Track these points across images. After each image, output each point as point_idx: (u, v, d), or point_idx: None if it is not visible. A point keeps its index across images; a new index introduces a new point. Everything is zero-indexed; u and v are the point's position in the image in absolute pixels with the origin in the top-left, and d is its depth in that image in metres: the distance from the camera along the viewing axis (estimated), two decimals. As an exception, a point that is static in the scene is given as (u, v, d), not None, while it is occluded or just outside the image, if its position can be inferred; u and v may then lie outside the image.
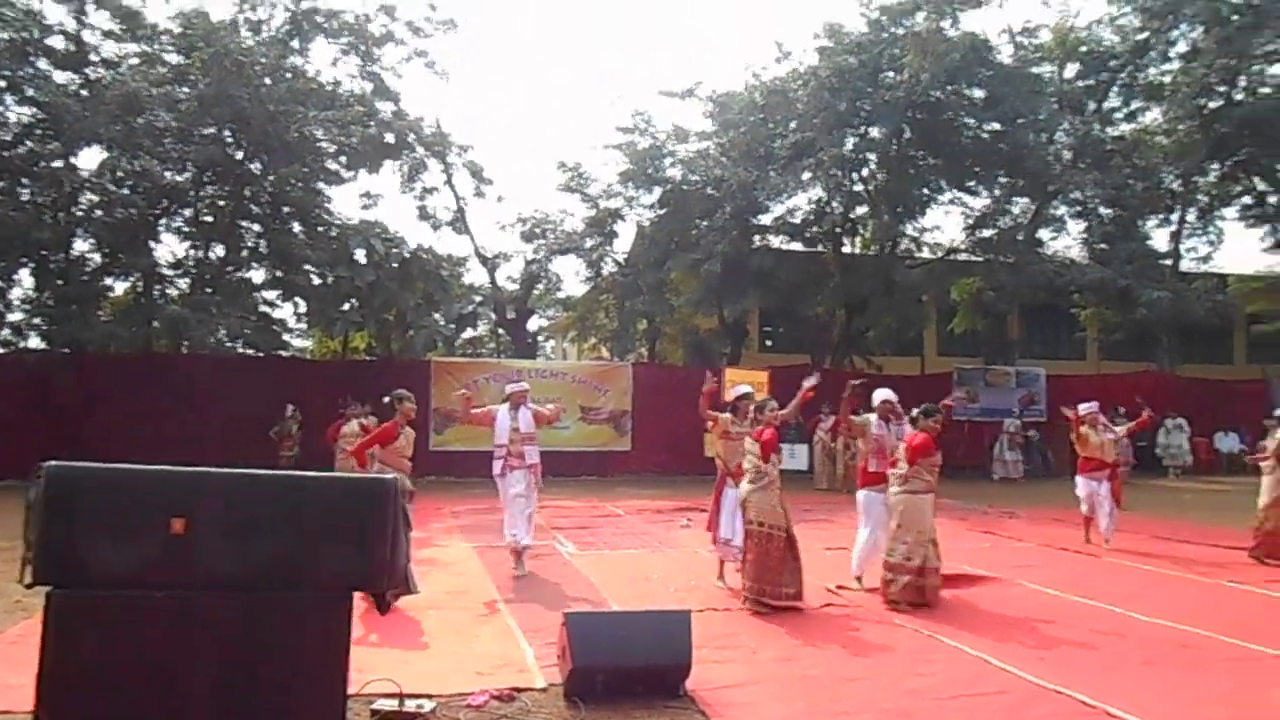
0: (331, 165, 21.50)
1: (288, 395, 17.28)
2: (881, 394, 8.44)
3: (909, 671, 5.57)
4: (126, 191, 18.51)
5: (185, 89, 19.48)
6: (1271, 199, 27.46)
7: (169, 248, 21.56)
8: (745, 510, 7.47)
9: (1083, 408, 10.91)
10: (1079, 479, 10.92)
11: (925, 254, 26.04)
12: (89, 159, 26.12)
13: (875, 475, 8.23)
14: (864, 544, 8.24)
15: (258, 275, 21.77)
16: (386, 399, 7.99)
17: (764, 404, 8.00)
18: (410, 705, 4.60)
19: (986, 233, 24.66)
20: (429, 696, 4.77)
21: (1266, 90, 25.11)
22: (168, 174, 19.14)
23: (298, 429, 16.47)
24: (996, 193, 24.57)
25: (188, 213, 20.92)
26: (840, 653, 6.03)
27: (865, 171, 23.87)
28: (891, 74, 21.87)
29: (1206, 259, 29.21)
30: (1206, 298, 24.23)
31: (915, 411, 7.88)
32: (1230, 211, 28.49)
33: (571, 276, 28.39)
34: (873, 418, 8.44)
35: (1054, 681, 5.25)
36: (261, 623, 4.03)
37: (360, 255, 20.45)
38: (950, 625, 6.72)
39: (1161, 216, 27.58)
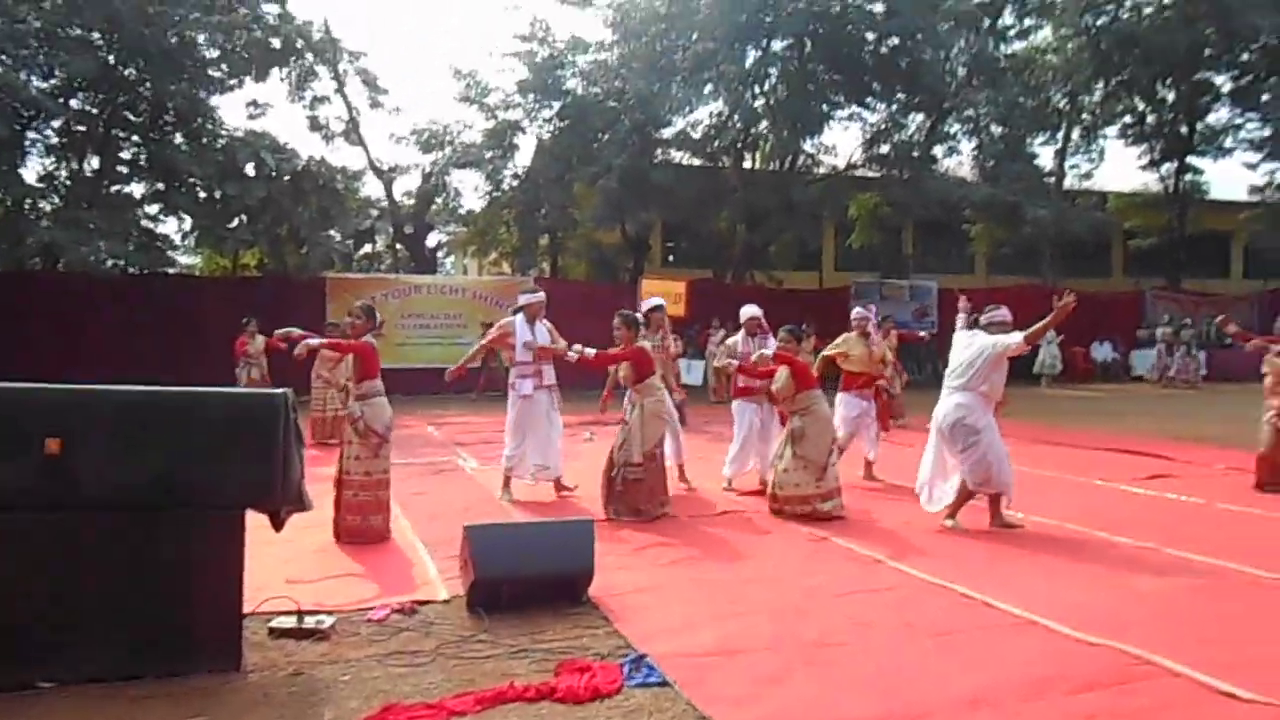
0: (214, 73, 20.31)
1: (180, 313, 16.55)
2: (747, 310, 8.66)
3: (804, 572, 5.78)
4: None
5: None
6: (1150, 118, 28.53)
7: (38, 160, 20.19)
8: (644, 442, 7.35)
9: (856, 313, 9.15)
10: (840, 396, 9.01)
11: (823, 170, 26.30)
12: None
13: (744, 388, 8.57)
14: (735, 451, 8.61)
15: (138, 190, 20.62)
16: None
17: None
18: (309, 621, 4.53)
19: (883, 149, 25.01)
20: (328, 612, 4.72)
21: (1149, 9, 25.84)
22: (34, 80, 17.81)
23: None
24: (893, 109, 24.86)
25: (56, 123, 19.56)
26: (738, 557, 6.20)
27: (766, 86, 23.78)
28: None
29: (1088, 176, 30.45)
30: (1087, 214, 25.25)
31: (783, 331, 7.73)
32: (1112, 130, 29.63)
33: (471, 191, 27.71)
34: (739, 334, 8.80)
35: (941, 577, 5.51)
36: (151, 542, 3.93)
37: (249, 168, 19.52)
38: (844, 528, 6.97)
39: (1048, 135, 28.47)
